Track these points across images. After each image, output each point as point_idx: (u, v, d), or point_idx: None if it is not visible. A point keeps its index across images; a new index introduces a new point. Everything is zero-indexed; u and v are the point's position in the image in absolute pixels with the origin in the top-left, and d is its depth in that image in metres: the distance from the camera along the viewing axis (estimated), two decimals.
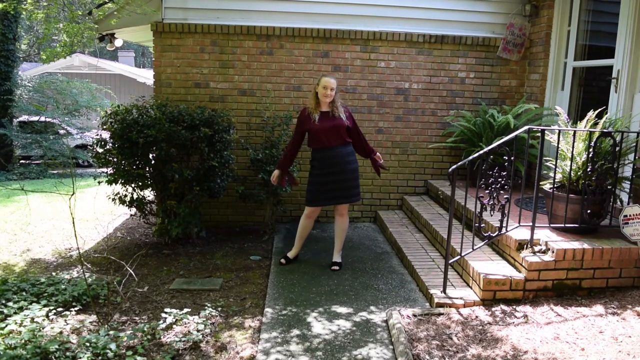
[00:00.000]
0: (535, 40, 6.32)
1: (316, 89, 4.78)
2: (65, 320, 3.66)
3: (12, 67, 12.89)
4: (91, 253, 5.52)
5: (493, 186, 4.04)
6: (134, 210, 5.86)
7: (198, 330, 3.61)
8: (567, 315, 3.66)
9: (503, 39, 6.37)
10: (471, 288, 4.16)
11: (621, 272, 4.00)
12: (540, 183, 4.23)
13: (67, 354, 3.19)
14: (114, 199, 5.56)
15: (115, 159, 5.44)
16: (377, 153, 5.03)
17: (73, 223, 3.83)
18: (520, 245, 4.13)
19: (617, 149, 4.04)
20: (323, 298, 4.28)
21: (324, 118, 4.76)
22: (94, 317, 3.77)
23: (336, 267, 4.92)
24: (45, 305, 3.84)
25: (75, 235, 3.95)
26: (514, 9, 6.35)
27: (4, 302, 3.91)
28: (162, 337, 3.53)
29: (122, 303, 4.16)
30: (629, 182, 4.28)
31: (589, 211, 4.07)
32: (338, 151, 4.79)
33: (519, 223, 4.18)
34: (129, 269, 3.99)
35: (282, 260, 5.08)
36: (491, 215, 4.19)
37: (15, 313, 3.70)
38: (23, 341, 3.23)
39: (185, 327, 3.68)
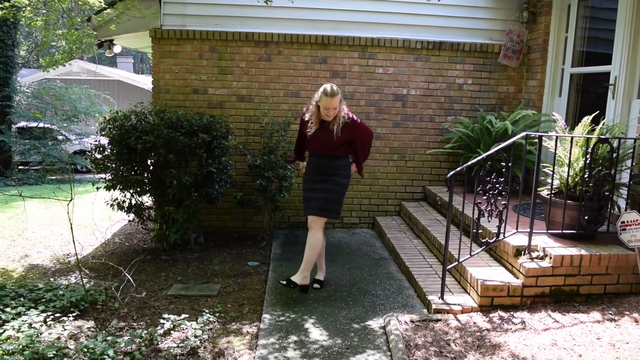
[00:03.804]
0: (532, 47, 6.35)
1: (318, 102, 4.34)
2: (63, 326, 3.66)
3: (11, 74, 12.90)
4: (89, 259, 5.52)
5: (491, 192, 4.06)
6: (132, 216, 5.86)
7: (196, 336, 3.60)
8: (565, 322, 3.66)
9: (503, 45, 6.40)
10: (469, 294, 4.17)
11: (619, 279, 4.01)
12: (538, 189, 4.25)
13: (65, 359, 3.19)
14: (112, 205, 5.56)
15: (113, 165, 5.44)
16: (360, 166, 4.67)
17: (71, 229, 3.83)
18: (518, 252, 4.14)
19: (615, 155, 4.06)
20: (321, 304, 4.28)
21: (321, 129, 4.42)
22: (91, 323, 3.77)
23: (298, 287, 4.36)
24: (43, 311, 3.84)
25: (74, 241, 3.95)
26: (512, 15, 6.38)
27: (1, 307, 3.91)
28: (159, 343, 3.53)
29: (120, 309, 4.15)
30: (627, 189, 4.29)
31: (586, 217, 4.08)
32: (328, 161, 4.51)
33: (517, 229, 4.19)
34: (126, 274, 3.99)
35: (316, 285, 4.62)
36: (489, 222, 4.19)
37: (13, 319, 3.70)
38: (21, 347, 3.23)
39: (183, 333, 3.68)
